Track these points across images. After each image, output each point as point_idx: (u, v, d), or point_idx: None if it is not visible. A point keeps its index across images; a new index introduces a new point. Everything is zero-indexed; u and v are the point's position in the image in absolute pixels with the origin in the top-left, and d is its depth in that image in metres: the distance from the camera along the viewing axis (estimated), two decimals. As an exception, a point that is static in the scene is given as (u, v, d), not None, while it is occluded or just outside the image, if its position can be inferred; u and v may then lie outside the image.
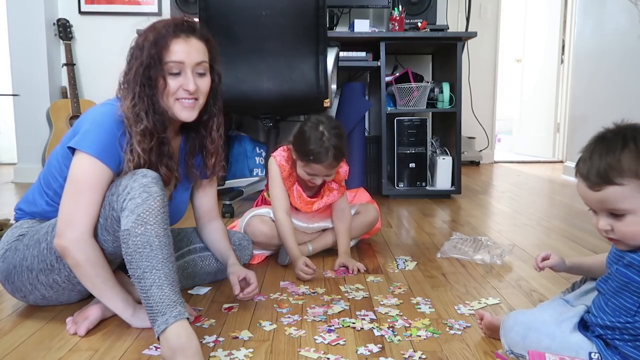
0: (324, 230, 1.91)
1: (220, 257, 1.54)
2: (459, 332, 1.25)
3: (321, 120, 1.68)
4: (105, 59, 3.53)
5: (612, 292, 0.97)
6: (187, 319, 1.07)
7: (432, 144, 3.22)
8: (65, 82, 3.59)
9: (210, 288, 1.55)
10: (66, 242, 1.19)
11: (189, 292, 1.52)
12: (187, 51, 1.28)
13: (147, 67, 1.25)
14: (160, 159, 1.30)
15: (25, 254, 1.28)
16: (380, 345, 1.17)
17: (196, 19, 2.89)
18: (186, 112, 1.32)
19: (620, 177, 0.87)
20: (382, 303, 1.44)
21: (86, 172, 1.22)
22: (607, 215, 0.92)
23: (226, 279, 1.64)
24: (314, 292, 1.52)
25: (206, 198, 1.55)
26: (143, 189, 1.16)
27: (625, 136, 0.90)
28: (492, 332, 1.19)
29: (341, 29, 3.40)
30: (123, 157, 1.24)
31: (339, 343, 1.18)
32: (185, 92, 1.29)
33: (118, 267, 1.36)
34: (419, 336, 1.22)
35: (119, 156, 1.24)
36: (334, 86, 2.55)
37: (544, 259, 1.22)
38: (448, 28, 3.30)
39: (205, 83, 1.33)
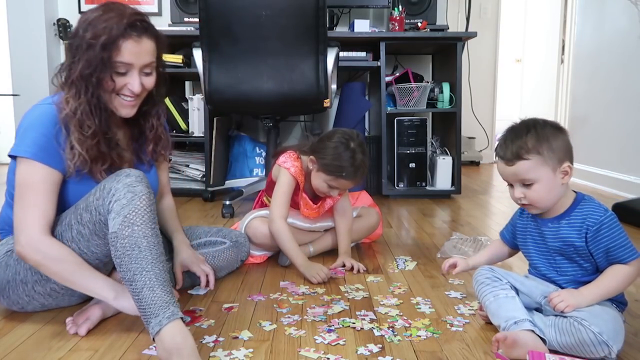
0: (326, 230, 1.91)
1: (169, 238, 1.55)
2: (460, 329, 1.26)
3: (351, 136, 1.69)
4: (105, 59, 3.53)
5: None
6: (182, 318, 1.06)
7: (432, 144, 3.22)
8: (65, 82, 3.59)
9: (210, 288, 1.55)
10: (21, 247, 1.19)
11: (188, 292, 1.51)
12: (137, 53, 1.25)
13: (96, 68, 1.22)
14: (109, 150, 1.30)
15: (17, 269, 1.27)
16: (380, 345, 1.17)
17: (196, 19, 2.91)
18: (126, 109, 1.31)
19: (527, 154, 1.14)
20: (382, 303, 1.44)
21: (26, 176, 1.22)
22: (521, 185, 1.17)
23: (225, 278, 1.65)
24: (314, 292, 1.52)
25: (160, 175, 1.54)
26: (128, 189, 1.16)
27: (528, 125, 1.17)
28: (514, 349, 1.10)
29: (341, 29, 3.40)
30: (62, 154, 1.24)
31: (339, 343, 1.18)
32: (129, 91, 1.28)
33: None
34: (419, 336, 1.22)
35: (60, 154, 1.24)
36: (334, 86, 2.55)
37: (451, 267, 1.40)
38: (448, 28, 3.30)
39: (150, 82, 1.31)
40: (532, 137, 1.14)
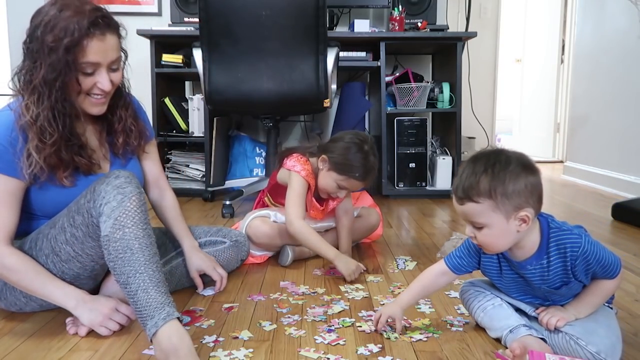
0: (327, 230, 1.91)
1: (178, 241, 1.54)
2: (460, 329, 1.26)
3: (365, 139, 1.70)
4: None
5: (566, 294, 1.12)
6: (178, 318, 1.06)
7: (432, 144, 3.22)
8: (65, 82, 3.59)
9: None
10: None
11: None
12: (103, 51, 1.21)
13: (60, 72, 1.18)
14: (72, 155, 1.27)
15: None
16: (380, 345, 1.17)
17: (196, 19, 2.91)
18: (97, 108, 1.29)
19: (477, 196, 1.02)
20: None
21: None
22: (471, 225, 1.08)
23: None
24: (314, 292, 1.52)
25: (148, 166, 1.53)
26: (117, 191, 1.15)
27: (489, 161, 1.03)
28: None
29: (341, 29, 3.40)
30: (17, 162, 1.21)
31: (339, 343, 1.18)
32: (99, 90, 1.26)
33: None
34: (419, 336, 1.22)
35: (16, 162, 1.21)
36: (334, 86, 2.55)
37: (379, 322, 1.22)
38: (448, 28, 3.30)
39: (118, 77, 1.29)
40: (486, 177, 1.01)
